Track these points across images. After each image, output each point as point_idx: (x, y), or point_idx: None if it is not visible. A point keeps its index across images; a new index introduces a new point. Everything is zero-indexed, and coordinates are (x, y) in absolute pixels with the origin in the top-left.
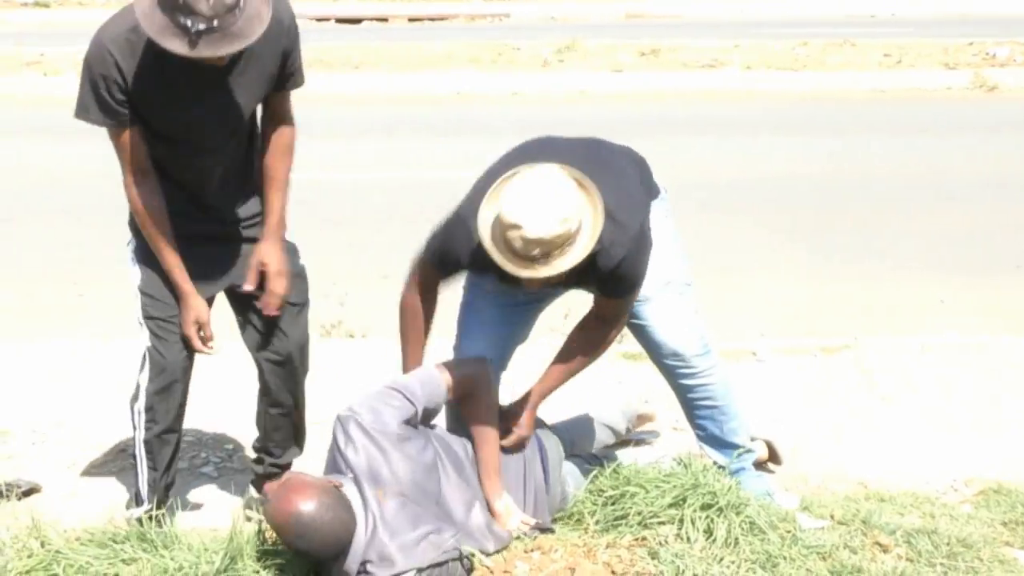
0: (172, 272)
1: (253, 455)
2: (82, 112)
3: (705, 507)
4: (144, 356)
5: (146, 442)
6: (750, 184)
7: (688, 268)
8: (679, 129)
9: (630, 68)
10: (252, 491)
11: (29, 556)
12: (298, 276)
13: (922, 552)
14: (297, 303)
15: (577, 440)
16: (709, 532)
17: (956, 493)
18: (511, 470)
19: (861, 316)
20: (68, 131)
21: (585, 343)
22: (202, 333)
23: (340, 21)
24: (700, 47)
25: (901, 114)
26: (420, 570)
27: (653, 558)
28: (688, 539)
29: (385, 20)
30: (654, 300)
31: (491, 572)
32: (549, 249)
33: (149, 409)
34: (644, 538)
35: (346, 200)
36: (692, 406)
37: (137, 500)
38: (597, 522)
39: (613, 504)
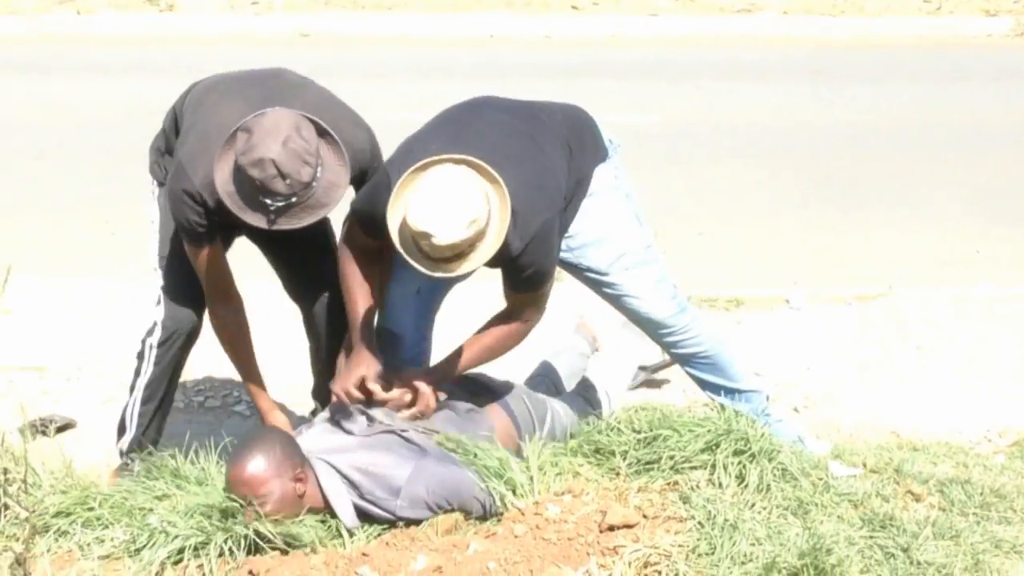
0: (255, 394)
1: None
2: (182, 232)
3: (737, 453)
4: (160, 296)
5: (152, 378)
6: (785, 131)
7: (643, 231)
8: (714, 74)
9: (665, 12)
10: None
11: (65, 492)
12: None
13: (955, 501)
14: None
15: (556, 381)
16: (741, 478)
17: (989, 444)
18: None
19: (896, 266)
20: (101, 69)
21: (497, 335)
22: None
23: None
24: None
25: (940, 61)
26: None
27: (684, 503)
28: (720, 484)
29: None
30: (613, 275)
31: (522, 514)
32: (460, 251)
33: (162, 344)
34: (676, 482)
35: (380, 142)
36: (691, 365)
37: (120, 429)
38: (629, 465)
39: (646, 446)
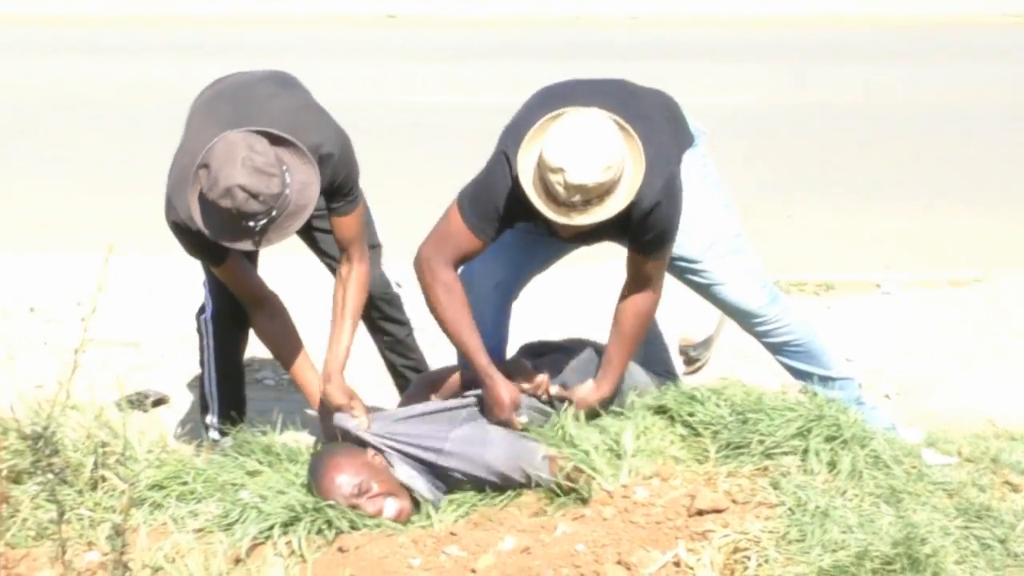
0: (308, 396)
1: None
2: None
3: (829, 439)
4: (205, 278)
5: (216, 348)
6: (877, 112)
7: (732, 218)
8: (804, 55)
9: None
10: None
11: (159, 465)
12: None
13: None
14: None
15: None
16: (832, 464)
17: None
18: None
19: (990, 250)
20: (198, 50)
21: (632, 315)
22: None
23: None
24: None
25: (1020, 40)
26: None
27: (775, 488)
28: (811, 471)
29: None
30: (704, 262)
31: (611, 496)
32: (589, 197)
33: (216, 317)
34: (766, 468)
35: (465, 124)
36: (782, 354)
37: (203, 407)
38: (718, 450)
39: (740, 425)
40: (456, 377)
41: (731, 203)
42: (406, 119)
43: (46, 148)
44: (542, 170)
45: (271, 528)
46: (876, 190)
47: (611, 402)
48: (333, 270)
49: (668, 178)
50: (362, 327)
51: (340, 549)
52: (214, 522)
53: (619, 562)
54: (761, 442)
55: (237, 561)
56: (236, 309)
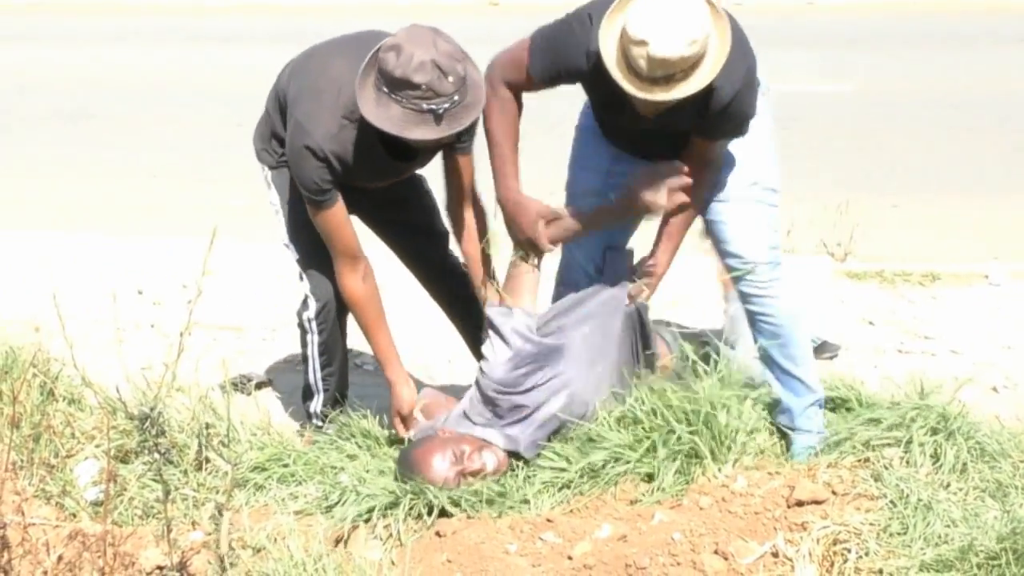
0: (387, 361)
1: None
2: (317, 203)
3: (934, 431)
4: (300, 272)
5: (321, 344)
6: (985, 100)
7: (777, 173)
8: (910, 42)
9: None
10: None
11: (262, 448)
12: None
13: None
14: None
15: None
16: (936, 457)
17: None
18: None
19: None
20: (291, 38)
21: (695, 189)
22: (402, 423)
23: None
24: None
25: None
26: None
27: (876, 481)
28: (913, 463)
29: None
30: (734, 200)
31: (709, 483)
32: (673, 71)
33: (319, 314)
34: (867, 459)
35: (567, 114)
36: (753, 321)
37: (306, 394)
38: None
39: (843, 414)
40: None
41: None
42: None
43: (151, 135)
44: (624, 43)
45: (370, 511)
46: (983, 179)
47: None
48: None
49: (750, 66)
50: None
51: (437, 533)
52: (314, 504)
53: (716, 552)
54: (863, 433)
55: (337, 543)
56: (339, 305)
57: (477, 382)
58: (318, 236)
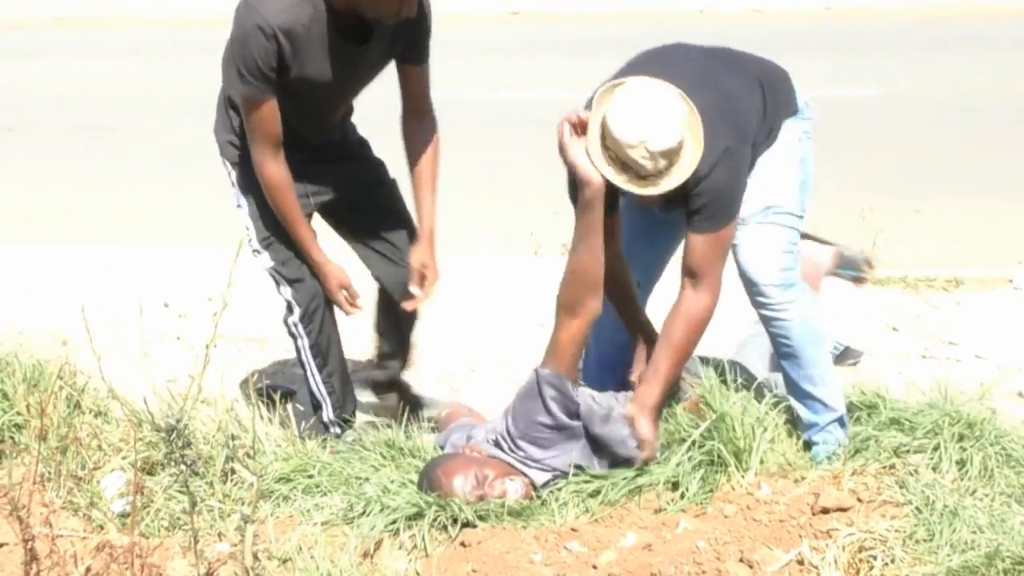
0: (306, 245)
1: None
2: (248, 89)
3: (960, 438)
4: (274, 276)
5: (312, 346)
6: (1007, 104)
7: (801, 199)
8: (930, 47)
9: None
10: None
11: (286, 459)
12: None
13: None
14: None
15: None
16: (962, 463)
17: None
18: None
19: None
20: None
21: (683, 319)
22: (346, 294)
23: None
24: None
25: None
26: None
27: (901, 487)
28: (939, 469)
29: None
30: (749, 223)
31: (733, 490)
32: (671, 158)
33: (304, 316)
34: (892, 466)
35: None
36: (773, 343)
37: (315, 405)
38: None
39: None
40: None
41: (810, 187)
42: (531, 115)
43: (175, 146)
44: (618, 149)
45: (395, 522)
46: (1006, 182)
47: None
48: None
49: (726, 149)
50: None
51: (462, 544)
52: (339, 515)
53: (741, 560)
54: (889, 439)
55: (364, 555)
56: (325, 303)
57: (508, 422)
58: (289, 237)
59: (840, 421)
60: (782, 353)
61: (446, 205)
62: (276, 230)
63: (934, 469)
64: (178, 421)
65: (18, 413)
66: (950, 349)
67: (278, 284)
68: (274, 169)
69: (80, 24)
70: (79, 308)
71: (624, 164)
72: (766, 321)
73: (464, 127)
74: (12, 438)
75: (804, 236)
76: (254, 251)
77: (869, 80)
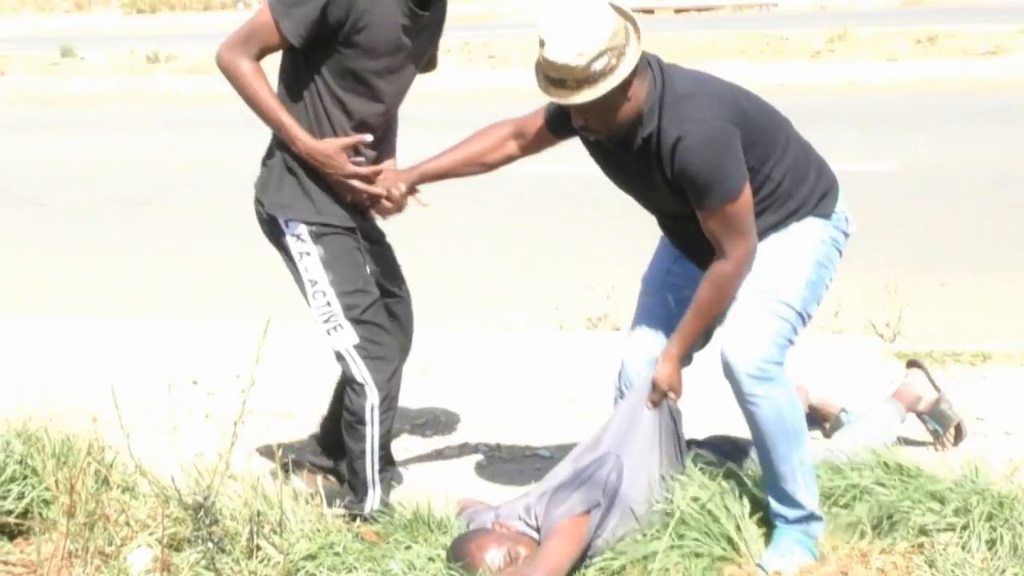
0: (293, 130)
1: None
2: (281, 11)
3: (990, 517)
4: (351, 354)
5: (383, 436)
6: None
7: (805, 297)
8: (955, 120)
9: (905, 57)
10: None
11: (311, 537)
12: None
13: None
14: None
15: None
16: (992, 543)
17: None
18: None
19: None
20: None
21: (709, 281)
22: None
23: None
24: (981, 33)
25: None
26: None
27: (930, 567)
28: (969, 549)
29: (651, 12)
30: (741, 302)
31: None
32: (563, 77)
33: (384, 402)
34: (921, 545)
35: (611, 191)
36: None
37: (356, 489)
38: (874, 526)
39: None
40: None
41: (820, 295)
42: (557, 188)
43: (205, 220)
44: (543, 60)
45: None
46: None
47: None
48: None
49: (709, 127)
50: None
51: None
52: None
53: None
54: (918, 518)
55: None
56: (396, 394)
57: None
58: (378, 312)
59: (809, 518)
60: (753, 438)
61: (470, 277)
62: (363, 304)
63: (963, 548)
64: (205, 498)
65: (47, 488)
66: (978, 425)
67: (352, 363)
68: (251, 63)
69: (111, 99)
70: (108, 383)
71: (551, 80)
72: (739, 404)
73: (492, 200)
74: (41, 514)
75: (921, 368)
76: (335, 327)
77: (894, 154)
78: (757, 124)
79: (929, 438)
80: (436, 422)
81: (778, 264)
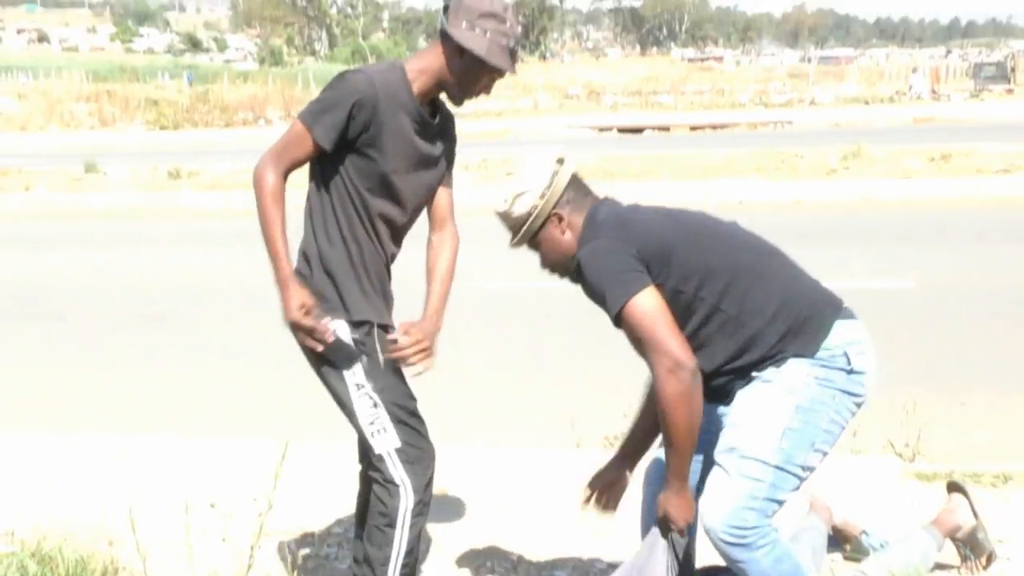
0: (281, 259)
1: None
2: (312, 119)
3: None
4: (392, 457)
5: (412, 540)
6: None
7: (784, 448)
8: (970, 237)
9: (919, 174)
10: None
11: None
12: None
13: None
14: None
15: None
16: None
17: None
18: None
19: None
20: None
21: (658, 405)
22: (308, 317)
23: (622, 131)
24: (994, 152)
25: None
26: None
27: None
28: None
29: (667, 129)
30: (716, 462)
31: None
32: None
33: (418, 505)
34: None
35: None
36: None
37: None
38: None
39: None
40: None
41: (814, 441)
42: (575, 303)
43: (229, 336)
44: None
45: None
46: None
47: None
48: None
49: (594, 247)
50: None
51: None
52: None
53: None
54: None
55: None
56: (429, 500)
57: None
58: (418, 416)
59: None
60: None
61: (483, 394)
62: (406, 408)
63: None
64: None
65: None
66: (999, 547)
67: (392, 465)
68: (276, 180)
69: (133, 214)
70: (125, 504)
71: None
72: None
73: (508, 315)
74: None
75: (964, 494)
76: (379, 430)
77: (910, 271)
78: (683, 247)
79: (957, 560)
80: (451, 540)
81: (749, 417)
